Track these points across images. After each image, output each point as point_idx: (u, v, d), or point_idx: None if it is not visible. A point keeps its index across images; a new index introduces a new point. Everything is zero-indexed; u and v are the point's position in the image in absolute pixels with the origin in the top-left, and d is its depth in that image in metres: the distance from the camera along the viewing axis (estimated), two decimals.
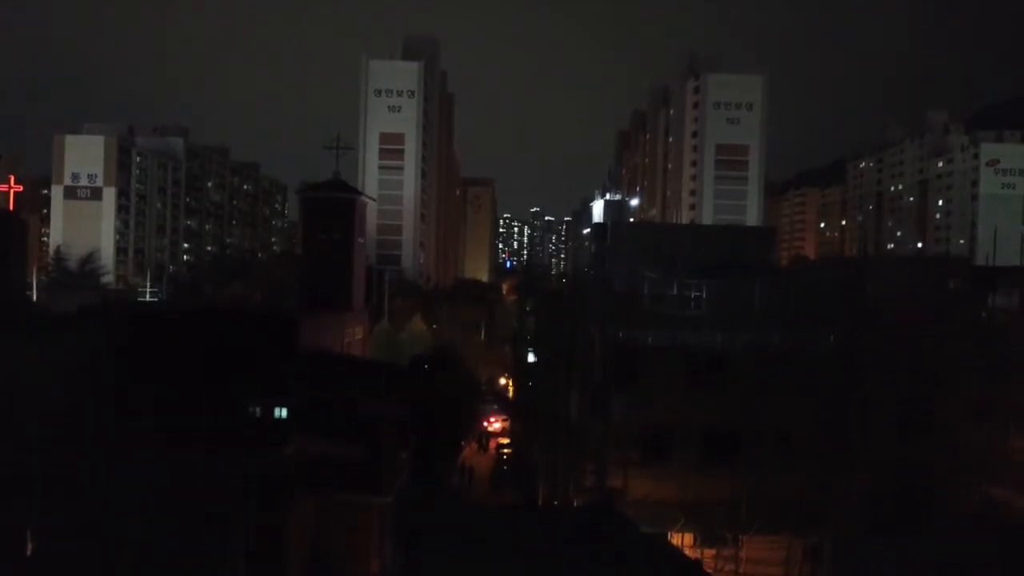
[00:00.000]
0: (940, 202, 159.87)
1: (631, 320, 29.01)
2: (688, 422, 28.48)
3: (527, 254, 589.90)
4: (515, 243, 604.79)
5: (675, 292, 30.95)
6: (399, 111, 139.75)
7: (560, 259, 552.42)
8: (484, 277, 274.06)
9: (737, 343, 28.69)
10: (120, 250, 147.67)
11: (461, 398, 47.00)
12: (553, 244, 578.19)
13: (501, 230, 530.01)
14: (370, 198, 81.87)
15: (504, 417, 68.26)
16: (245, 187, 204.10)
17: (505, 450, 58.66)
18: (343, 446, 32.72)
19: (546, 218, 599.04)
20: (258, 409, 48.40)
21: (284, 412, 48.53)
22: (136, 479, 31.73)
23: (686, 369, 28.62)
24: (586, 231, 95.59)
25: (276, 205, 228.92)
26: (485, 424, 67.45)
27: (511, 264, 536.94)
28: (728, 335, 28.83)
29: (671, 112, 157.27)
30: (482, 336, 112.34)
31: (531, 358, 57.78)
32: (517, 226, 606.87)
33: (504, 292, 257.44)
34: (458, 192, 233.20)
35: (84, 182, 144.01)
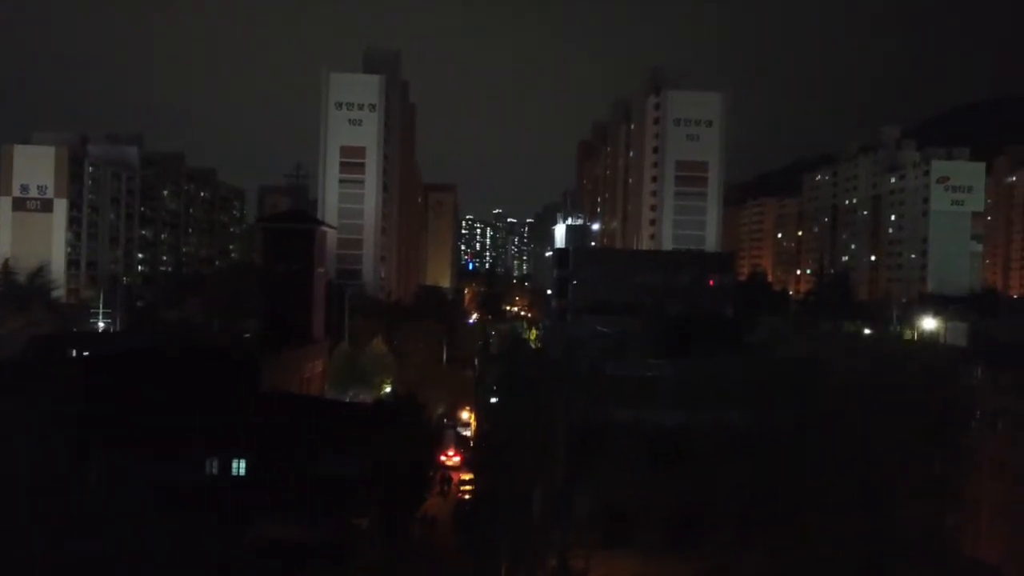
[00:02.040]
0: (893, 217, 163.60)
1: (594, 401, 29.12)
2: (650, 502, 28.74)
3: (490, 257, 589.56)
4: (477, 244, 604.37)
5: (638, 372, 31.07)
6: (360, 124, 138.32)
7: (523, 260, 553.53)
8: (446, 282, 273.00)
9: (698, 422, 29.01)
10: (72, 263, 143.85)
11: (423, 450, 46.72)
12: (516, 246, 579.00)
13: (464, 231, 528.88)
14: (330, 226, 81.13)
15: (463, 451, 67.81)
16: (202, 194, 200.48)
17: (466, 487, 58.43)
18: (304, 526, 32.26)
19: (508, 220, 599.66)
20: (215, 463, 47.76)
21: (242, 466, 47.91)
22: (89, 556, 30.89)
23: (648, 450, 28.83)
24: (548, 253, 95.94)
25: (234, 211, 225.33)
26: (443, 458, 66.91)
27: (473, 266, 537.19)
28: (689, 414, 29.13)
29: (632, 127, 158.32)
30: (444, 353, 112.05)
31: (493, 399, 57.81)
32: (480, 227, 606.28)
33: (466, 300, 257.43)
34: (420, 199, 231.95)
35: (34, 194, 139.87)
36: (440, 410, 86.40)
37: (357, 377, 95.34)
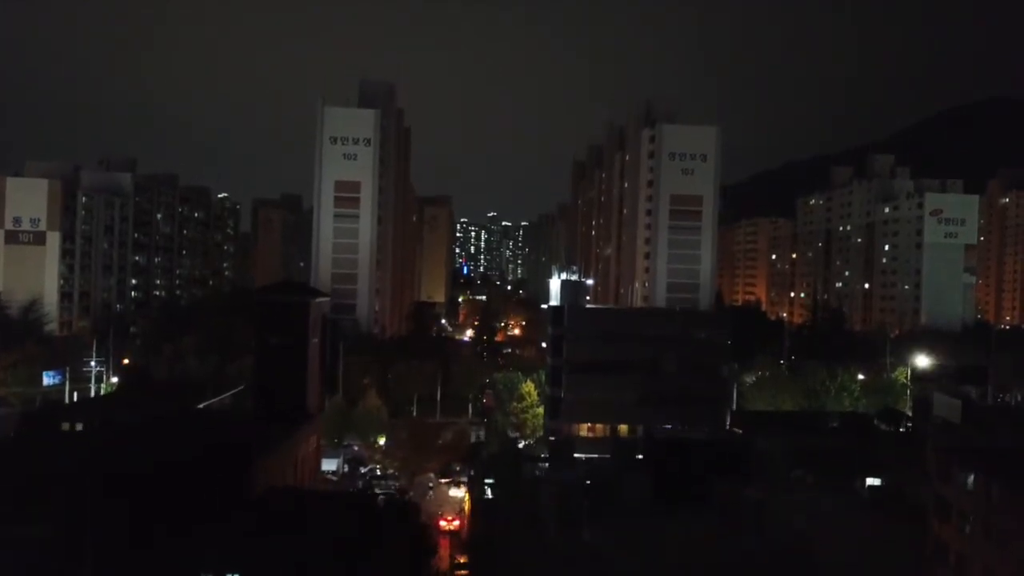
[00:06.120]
0: (887, 247, 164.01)
1: None
2: None
3: (484, 261, 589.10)
4: (472, 247, 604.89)
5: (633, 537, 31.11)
6: (355, 159, 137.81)
7: (518, 264, 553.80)
8: (441, 296, 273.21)
9: None
10: (65, 295, 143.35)
11: (420, 560, 46.76)
12: (510, 250, 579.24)
13: (458, 235, 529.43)
14: (324, 295, 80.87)
15: (458, 517, 67.68)
16: (196, 214, 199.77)
17: (461, 571, 58.35)
18: None
19: (503, 223, 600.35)
20: None
21: None
22: None
23: None
24: (544, 306, 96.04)
25: (228, 230, 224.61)
26: (443, 523, 66.81)
27: (468, 269, 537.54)
28: None
29: (627, 156, 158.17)
30: (438, 391, 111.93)
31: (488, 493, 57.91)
32: (474, 230, 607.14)
33: (461, 316, 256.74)
34: (415, 217, 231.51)
35: (26, 226, 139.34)
36: (434, 467, 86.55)
37: (351, 430, 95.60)
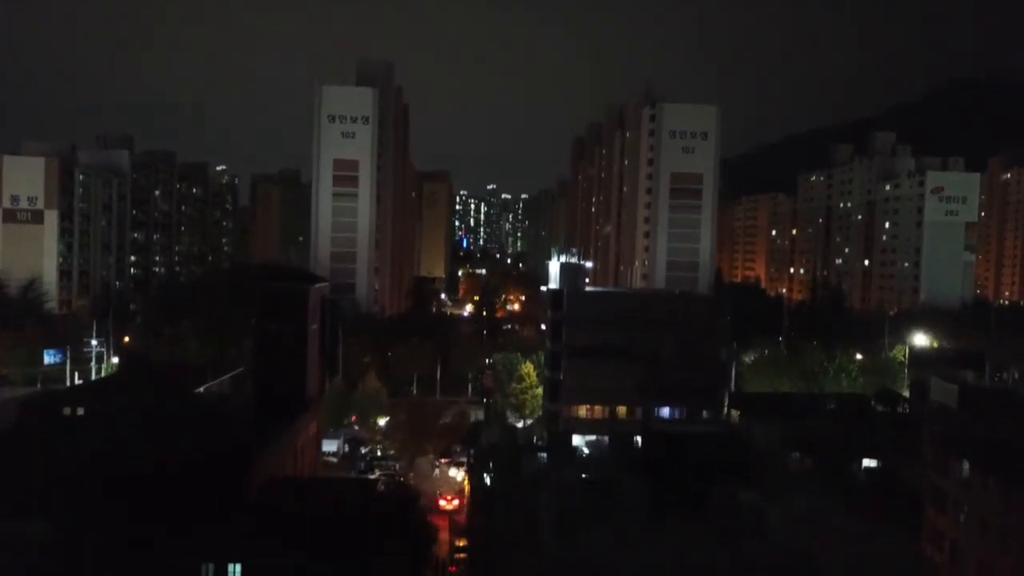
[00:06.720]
0: (887, 225, 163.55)
1: None
2: None
3: (484, 233, 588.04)
4: (471, 220, 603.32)
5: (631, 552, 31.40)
6: (353, 137, 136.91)
7: (517, 237, 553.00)
8: (440, 271, 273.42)
9: None
10: (63, 273, 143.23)
11: (420, 552, 47.17)
12: (510, 223, 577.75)
13: (458, 207, 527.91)
14: (323, 280, 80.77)
15: (457, 497, 68.16)
16: (194, 190, 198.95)
17: (460, 554, 58.82)
18: None
19: (503, 196, 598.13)
20: (211, 569, 48.23)
21: (238, 570, 48.44)
22: None
23: None
24: (543, 288, 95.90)
25: (227, 205, 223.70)
26: (443, 502, 67.20)
27: (467, 242, 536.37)
28: None
29: (627, 135, 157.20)
30: (438, 371, 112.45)
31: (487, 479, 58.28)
32: (474, 203, 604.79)
33: (462, 291, 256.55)
34: (414, 193, 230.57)
35: (24, 205, 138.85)
36: (434, 448, 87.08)
37: (351, 413, 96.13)
